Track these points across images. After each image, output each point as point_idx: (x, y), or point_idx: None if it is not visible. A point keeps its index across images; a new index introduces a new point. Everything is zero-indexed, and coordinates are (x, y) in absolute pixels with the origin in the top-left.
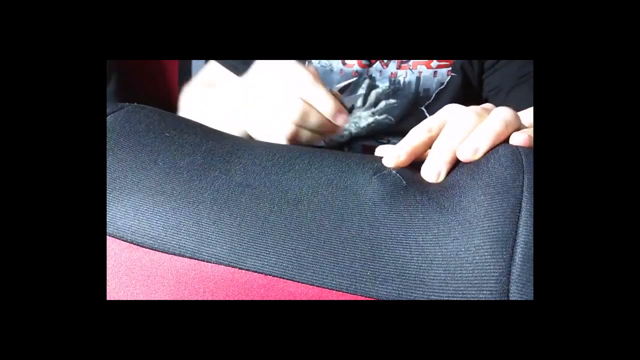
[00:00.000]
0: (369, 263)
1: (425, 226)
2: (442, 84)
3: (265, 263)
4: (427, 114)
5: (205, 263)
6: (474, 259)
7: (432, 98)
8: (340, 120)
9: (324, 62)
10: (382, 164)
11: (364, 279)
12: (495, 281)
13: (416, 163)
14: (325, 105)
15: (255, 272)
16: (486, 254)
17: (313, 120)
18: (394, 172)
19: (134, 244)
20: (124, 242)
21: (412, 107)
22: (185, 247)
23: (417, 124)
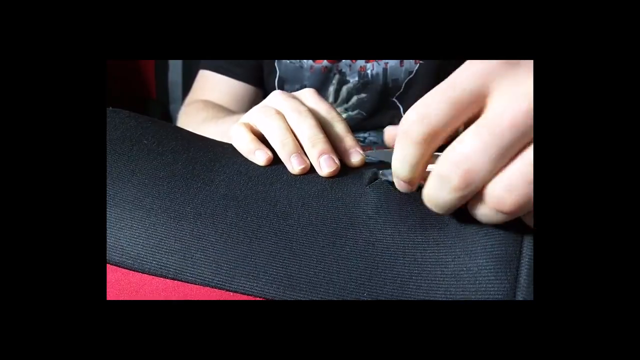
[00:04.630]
0: (365, 283)
1: (424, 242)
2: (410, 73)
3: (255, 284)
4: (399, 104)
5: (190, 285)
6: (477, 279)
7: (402, 88)
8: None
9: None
10: (374, 172)
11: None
12: None
13: None
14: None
15: (244, 294)
16: (490, 274)
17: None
18: (386, 182)
19: (111, 264)
20: None
21: (383, 99)
22: (167, 267)
23: (390, 115)
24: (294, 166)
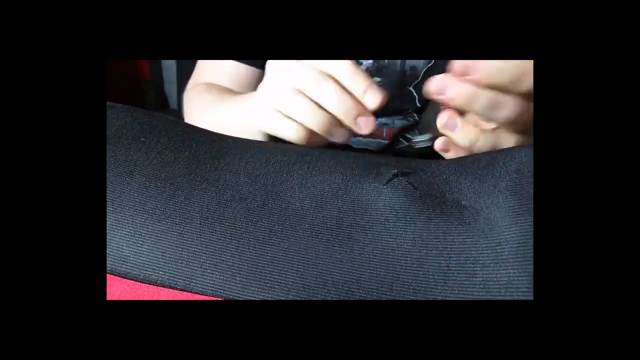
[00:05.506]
0: (387, 292)
1: (449, 248)
2: (429, 61)
3: (270, 295)
4: (415, 94)
5: (200, 296)
6: (508, 291)
7: (421, 77)
8: (372, 101)
9: None
10: (389, 168)
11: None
12: None
13: (425, 165)
14: (353, 78)
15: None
16: (522, 286)
17: (332, 98)
18: (404, 180)
19: (115, 275)
20: None
21: (398, 86)
22: (175, 277)
23: (404, 105)
24: (363, 128)
